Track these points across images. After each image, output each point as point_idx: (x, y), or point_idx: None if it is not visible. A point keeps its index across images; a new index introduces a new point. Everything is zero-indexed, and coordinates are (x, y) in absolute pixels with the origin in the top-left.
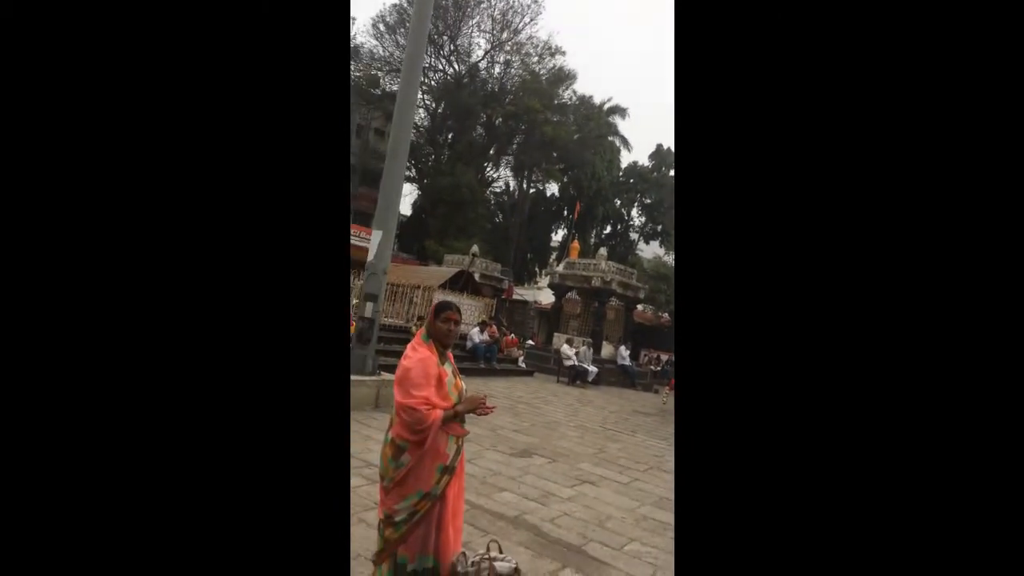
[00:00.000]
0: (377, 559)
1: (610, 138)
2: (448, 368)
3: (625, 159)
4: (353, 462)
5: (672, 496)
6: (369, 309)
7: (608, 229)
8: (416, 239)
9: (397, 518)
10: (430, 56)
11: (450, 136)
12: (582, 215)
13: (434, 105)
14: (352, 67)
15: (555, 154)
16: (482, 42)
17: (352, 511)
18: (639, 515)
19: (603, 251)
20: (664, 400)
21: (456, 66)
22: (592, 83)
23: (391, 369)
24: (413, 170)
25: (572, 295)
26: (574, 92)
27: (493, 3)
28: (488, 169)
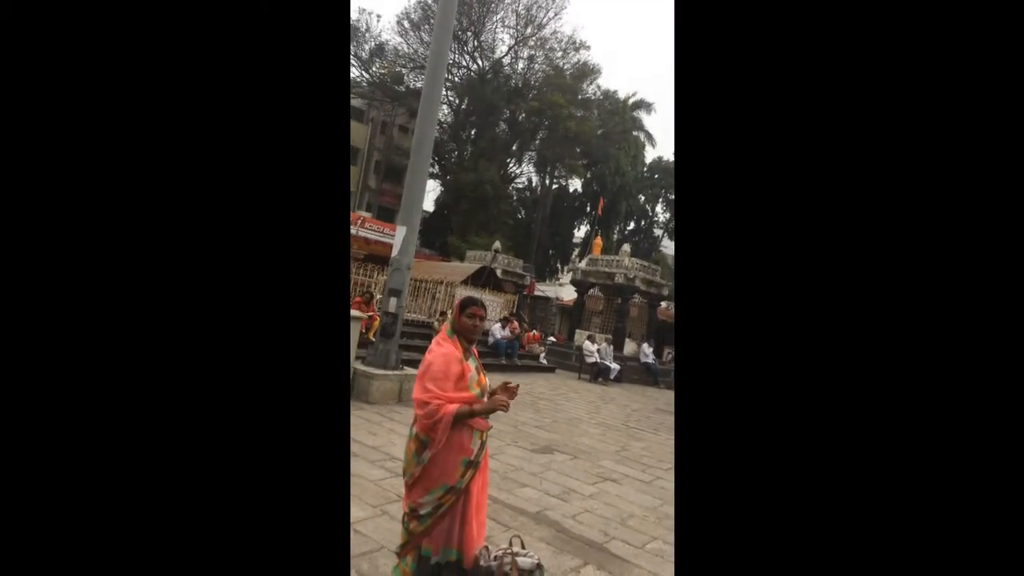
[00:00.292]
0: (401, 551)
1: (635, 133)
2: (472, 363)
3: (650, 154)
4: (376, 455)
5: None
6: (393, 304)
7: (632, 225)
8: (439, 235)
9: (422, 511)
10: (454, 52)
11: (473, 132)
12: (605, 211)
13: (457, 101)
14: (376, 64)
15: (578, 149)
16: (506, 37)
17: (375, 503)
18: (661, 513)
19: (626, 247)
20: None
21: (480, 62)
22: (617, 77)
23: (413, 364)
24: (436, 166)
25: (595, 292)
26: (598, 87)
27: None
28: (511, 165)
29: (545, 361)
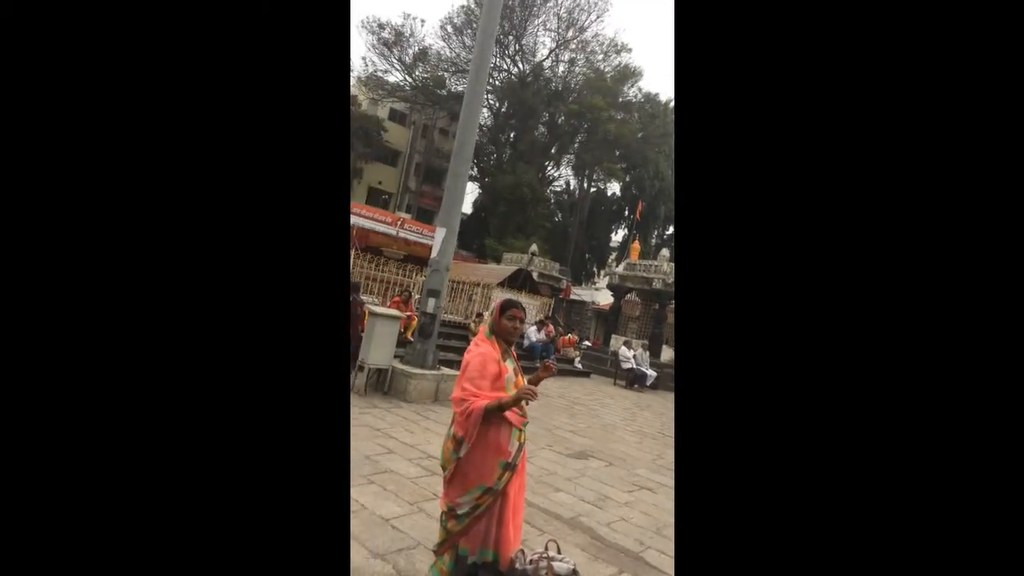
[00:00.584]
0: (439, 550)
1: None
2: (510, 365)
3: None
4: (412, 453)
5: None
6: (431, 305)
7: (670, 230)
8: (476, 237)
9: (460, 511)
10: (495, 56)
11: (512, 135)
12: (644, 215)
13: (497, 104)
14: (419, 69)
15: (618, 153)
16: (547, 41)
17: (412, 500)
18: None
19: (665, 252)
20: None
21: (520, 65)
22: (659, 79)
23: (449, 364)
24: (475, 168)
25: (632, 296)
26: (639, 89)
27: (559, 1)
28: (549, 168)
29: (580, 366)
